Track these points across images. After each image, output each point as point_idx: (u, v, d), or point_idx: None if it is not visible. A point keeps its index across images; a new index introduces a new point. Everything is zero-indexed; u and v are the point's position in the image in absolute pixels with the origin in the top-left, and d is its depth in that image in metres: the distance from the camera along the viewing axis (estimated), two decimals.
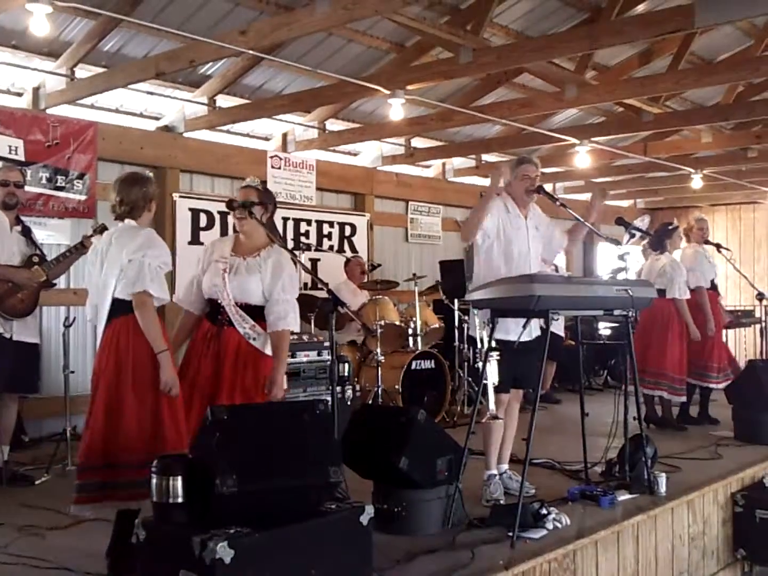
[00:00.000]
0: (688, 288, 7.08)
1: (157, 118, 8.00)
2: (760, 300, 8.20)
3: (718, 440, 6.43)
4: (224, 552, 2.68)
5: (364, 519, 3.13)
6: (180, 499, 2.98)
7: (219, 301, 4.09)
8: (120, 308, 3.70)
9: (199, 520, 2.90)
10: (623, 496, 4.64)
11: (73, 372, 5.82)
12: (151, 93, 7.58)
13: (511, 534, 3.84)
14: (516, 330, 4.34)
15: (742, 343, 12.20)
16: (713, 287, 7.48)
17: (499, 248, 4.65)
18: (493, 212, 4.63)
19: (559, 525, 4.08)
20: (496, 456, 4.75)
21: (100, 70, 6.96)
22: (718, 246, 7.72)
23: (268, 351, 4.09)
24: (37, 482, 5.23)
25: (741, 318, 10.18)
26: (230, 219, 4.44)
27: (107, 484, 3.59)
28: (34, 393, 5.63)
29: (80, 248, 5.28)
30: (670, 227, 7.34)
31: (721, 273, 11.70)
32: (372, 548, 3.19)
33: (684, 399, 7.17)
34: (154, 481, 3.00)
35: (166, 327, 3.87)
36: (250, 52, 5.93)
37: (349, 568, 3.07)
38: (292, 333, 4.48)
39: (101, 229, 5.31)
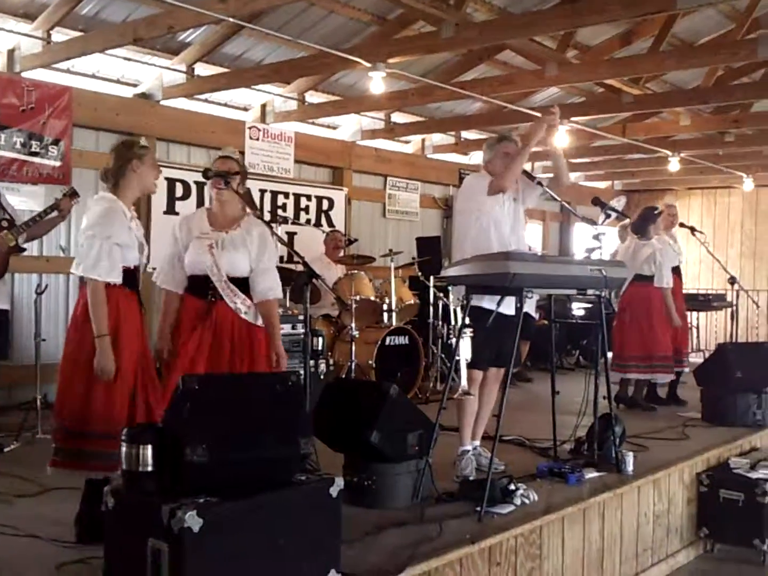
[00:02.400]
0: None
1: (134, 85, 7.89)
2: (732, 284, 8.29)
3: (685, 421, 6.52)
4: (193, 521, 2.68)
5: (334, 491, 3.14)
6: (150, 468, 2.96)
7: (207, 277, 4.05)
8: (82, 279, 3.70)
9: (168, 489, 2.90)
10: (591, 474, 4.69)
11: (44, 340, 5.78)
12: (129, 59, 7.48)
13: (479, 509, 3.88)
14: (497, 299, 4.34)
15: (713, 327, 12.37)
16: (677, 273, 7.49)
17: (487, 225, 4.65)
18: (480, 189, 4.65)
19: (526, 501, 4.12)
20: (470, 432, 4.78)
21: (77, 34, 6.85)
22: (692, 229, 7.78)
23: (258, 322, 4.13)
24: (6, 450, 5.19)
25: (713, 301, 10.30)
26: (206, 189, 4.36)
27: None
28: (3, 359, 5.58)
29: (50, 212, 5.22)
30: (655, 212, 7.32)
31: (695, 256, 11.92)
32: (341, 520, 3.20)
33: (674, 376, 7.29)
34: (123, 449, 2.99)
35: (139, 301, 3.83)
36: (230, 19, 5.86)
37: (318, 539, 3.08)
38: None
39: (71, 193, 5.25)
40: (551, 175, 5.01)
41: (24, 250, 5.41)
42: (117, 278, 3.61)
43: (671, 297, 7.12)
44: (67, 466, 3.59)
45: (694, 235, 7.70)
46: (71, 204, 5.31)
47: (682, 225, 7.66)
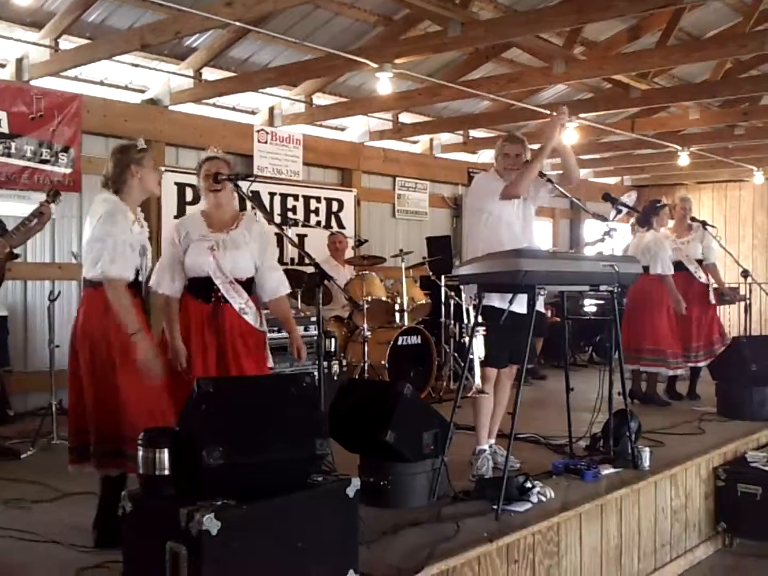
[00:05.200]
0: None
1: (142, 91, 7.93)
2: (745, 277, 8.25)
3: (701, 415, 6.48)
4: (211, 524, 2.68)
5: (351, 491, 3.14)
6: (166, 472, 2.97)
7: (209, 279, 4.02)
8: (87, 283, 3.65)
9: (185, 493, 2.90)
10: (607, 470, 4.67)
11: (58, 346, 5.77)
12: (136, 65, 7.51)
13: (495, 507, 3.87)
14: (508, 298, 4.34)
15: (726, 320, 12.30)
16: (683, 269, 7.46)
17: (498, 226, 4.65)
18: (490, 189, 4.65)
19: (543, 498, 4.11)
20: (487, 431, 4.77)
21: (84, 41, 6.89)
22: (704, 223, 7.74)
23: (259, 326, 4.11)
24: (22, 456, 5.23)
25: (725, 296, 10.24)
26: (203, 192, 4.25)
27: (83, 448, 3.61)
28: (4, 366, 5.60)
29: (38, 215, 5.17)
30: (657, 205, 7.34)
31: None
32: (358, 520, 3.20)
33: (682, 372, 7.27)
34: (140, 453, 2.99)
35: (141, 306, 3.75)
36: (236, 23, 5.87)
37: (335, 540, 3.08)
38: None
39: (54, 194, 5.22)
40: (560, 171, 4.99)
41: (18, 256, 5.37)
42: (130, 277, 3.59)
43: (673, 283, 7.07)
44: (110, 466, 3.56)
45: (705, 229, 7.65)
46: (51, 208, 5.26)
47: (693, 219, 7.64)
